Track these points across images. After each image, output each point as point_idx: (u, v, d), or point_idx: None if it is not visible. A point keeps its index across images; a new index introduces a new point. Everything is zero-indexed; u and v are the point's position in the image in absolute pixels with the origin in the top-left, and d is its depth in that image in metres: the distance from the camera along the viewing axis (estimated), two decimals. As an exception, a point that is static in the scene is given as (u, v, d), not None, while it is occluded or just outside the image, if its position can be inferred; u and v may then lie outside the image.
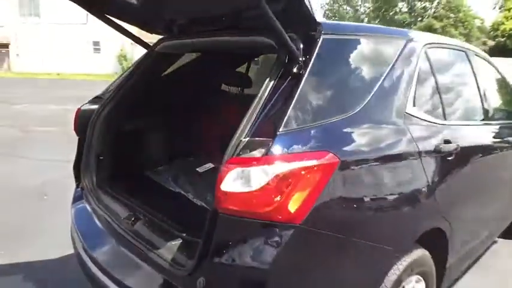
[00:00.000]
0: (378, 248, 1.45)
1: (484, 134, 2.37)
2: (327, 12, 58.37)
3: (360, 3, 57.85)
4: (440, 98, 1.97)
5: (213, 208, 1.27)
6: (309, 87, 1.35)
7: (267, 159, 1.18)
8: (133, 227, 1.75)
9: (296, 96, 1.29)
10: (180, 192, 2.16)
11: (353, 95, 1.49)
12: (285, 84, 1.33)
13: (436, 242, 1.84)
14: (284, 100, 1.29)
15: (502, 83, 2.99)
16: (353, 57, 1.57)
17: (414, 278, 1.74)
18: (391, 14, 50.27)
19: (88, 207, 2.04)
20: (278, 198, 1.16)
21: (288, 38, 1.32)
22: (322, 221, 1.25)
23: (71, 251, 2.10)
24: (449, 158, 1.82)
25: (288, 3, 1.33)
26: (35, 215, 3.55)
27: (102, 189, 2.09)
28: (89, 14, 1.98)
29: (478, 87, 2.42)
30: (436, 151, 1.74)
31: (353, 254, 1.39)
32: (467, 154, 2.01)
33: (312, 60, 1.37)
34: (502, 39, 41.97)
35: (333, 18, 56.85)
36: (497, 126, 2.56)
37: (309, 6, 1.34)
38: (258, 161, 1.18)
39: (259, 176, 1.17)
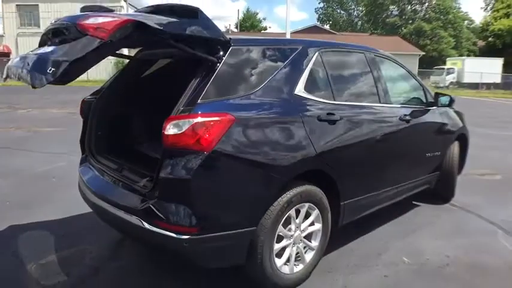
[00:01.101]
0: (268, 175, 2.31)
1: (375, 112, 3.18)
2: (321, 16, 59.42)
3: (353, 7, 58.96)
4: (330, 85, 2.85)
5: (162, 148, 2.16)
6: (220, 77, 2.24)
7: (189, 115, 2.08)
8: (121, 173, 2.66)
9: (210, 81, 2.19)
10: (155, 155, 3.05)
11: (252, 82, 2.37)
12: (206, 75, 2.22)
13: (324, 182, 2.67)
14: (204, 85, 2.18)
15: (403, 76, 3.89)
16: (253, 59, 2.44)
17: (306, 204, 2.57)
18: (383, 16, 51.36)
19: (90, 166, 2.94)
20: (196, 137, 2.05)
21: (200, 53, 2.20)
22: (225, 152, 2.12)
23: (83, 209, 2.96)
24: (332, 125, 2.68)
25: (211, 36, 2.21)
26: (48, 190, 4.48)
27: (100, 154, 2.99)
28: None
29: (374, 78, 3.30)
30: (319, 119, 2.61)
31: (249, 176, 2.25)
32: (351, 123, 2.85)
33: (223, 61, 2.27)
34: (492, 39, 42.92)
35: (327, 22, 57.98)
36: (390, 108, 3.39)
37: (221, 38, 2.25)
38: (184, 117, 2.08)
39: (185, 125, 2.06)
